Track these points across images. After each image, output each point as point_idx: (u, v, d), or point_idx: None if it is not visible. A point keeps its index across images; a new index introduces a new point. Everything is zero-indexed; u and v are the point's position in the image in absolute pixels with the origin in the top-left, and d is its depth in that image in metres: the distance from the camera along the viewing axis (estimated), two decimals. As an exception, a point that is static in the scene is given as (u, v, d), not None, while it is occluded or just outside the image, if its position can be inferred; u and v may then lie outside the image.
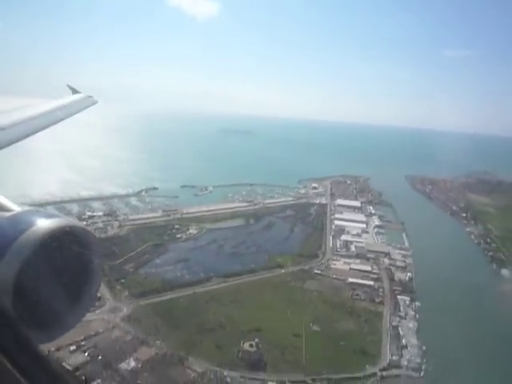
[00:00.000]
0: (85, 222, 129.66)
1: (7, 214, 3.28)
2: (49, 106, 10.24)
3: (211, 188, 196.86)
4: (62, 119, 10.07)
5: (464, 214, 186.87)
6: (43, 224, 3.02)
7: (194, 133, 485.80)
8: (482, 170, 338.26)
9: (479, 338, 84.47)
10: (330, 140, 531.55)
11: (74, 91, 13.86)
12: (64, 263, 3.23)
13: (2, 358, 2.13)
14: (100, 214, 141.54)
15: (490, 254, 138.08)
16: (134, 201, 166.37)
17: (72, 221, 3.30)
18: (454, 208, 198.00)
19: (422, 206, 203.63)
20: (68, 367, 60.35)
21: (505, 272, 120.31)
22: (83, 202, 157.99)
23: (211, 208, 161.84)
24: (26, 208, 3.46)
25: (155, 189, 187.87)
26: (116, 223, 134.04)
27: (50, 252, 3.02)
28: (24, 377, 2.19)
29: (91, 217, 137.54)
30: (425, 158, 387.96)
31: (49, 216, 3.17)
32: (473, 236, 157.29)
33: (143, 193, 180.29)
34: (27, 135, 7.69)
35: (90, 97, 13.64)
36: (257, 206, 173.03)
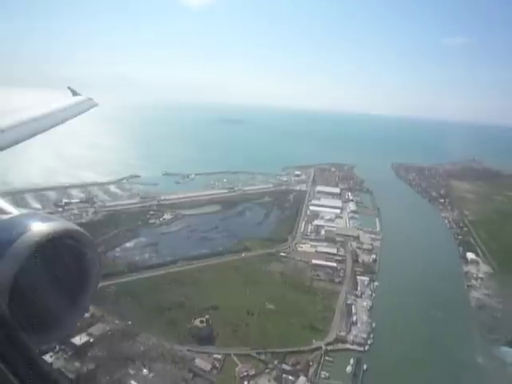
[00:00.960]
0: (60, 209, 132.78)
1: (5, 217, 3.29)
2: (49, 109, 10.23)
3: (193, 176, 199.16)
4: (62, 122, 10.05)
5: (442, 200, 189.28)
6: (41, 227, 3.03)
7: (186, 122, 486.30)
8: (470, 158, 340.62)
9: (429, 317, 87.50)
10: (324, 129, 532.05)
11: (75, 93, 13.84)
12: (61, 267, 3.23)
13: None
14: (77, 200, 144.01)
15: (460, 237, 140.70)
16: (113, 188, 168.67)
17: (70, 224, 3.31)
18: (434, 194, 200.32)
19: (401, 192, 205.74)
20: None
21: (469, 255, 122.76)
22: (63, 189, 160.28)
23: (189, 195, 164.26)
24: (24, 211, 3.49)
25: (137, 176, 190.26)
26: (91, 210, 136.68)
27: (47, 255, 3.01)
28: (18, 380, 2.20)
29: (68, 203, 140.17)
30: (417, 147, 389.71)
31: (46, 219, 3.18)
32: (446, 221, 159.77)
33: (124, 180, 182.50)
34: (27, 138, 7.71)
35: (90, 99, 13.72)
36: (236, 193, 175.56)
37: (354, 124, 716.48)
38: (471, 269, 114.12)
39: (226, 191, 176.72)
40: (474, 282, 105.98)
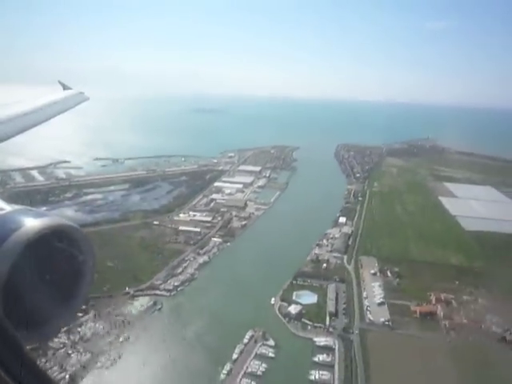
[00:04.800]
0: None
1: None
2: (39, 103, 10.03)
3: (123, 160, 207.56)
4: (53, 116, 9.86)
5: (359, 175, 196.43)
6: (34, 223, 3.01)
7: (158, 113, 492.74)
8: (424, 137, 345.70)
9: (253, 273, 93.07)
10: (297, 116, 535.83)
11: (65, 87, 13.67)
12: (54, 263, 3.20)
13: None
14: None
15: (348, 205, 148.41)
16: (35, 173, 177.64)
17: (63, 220, 3.29)
18: (355, 170, 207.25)
19: (326, 170, 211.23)
20: None
21: (341, 219, 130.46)
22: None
23: (105, 176, 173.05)
24: (17, 207, 3.46)
25: (67, 162, 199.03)
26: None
27: (40, 252, 3.00)
28: (10, 377, 2.23)
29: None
30: (379, 129, 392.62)
31: (39, 215, 3.17)
32: (347, 192, 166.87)
33: (51, 166, 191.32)
34: (16, 133, 7.52)
35: (81, 93, 13.47)
36: (155, 174, 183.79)
37: (334, 110, 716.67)
38: (333, 231, 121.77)
39: (145, 172, 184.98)
40: (325, 241, 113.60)
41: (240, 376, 61.30)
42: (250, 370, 62.52)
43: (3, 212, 3.28)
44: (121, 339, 68.43)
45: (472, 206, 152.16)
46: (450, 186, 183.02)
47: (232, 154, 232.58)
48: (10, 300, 2.72)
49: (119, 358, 64.95)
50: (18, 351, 2.36)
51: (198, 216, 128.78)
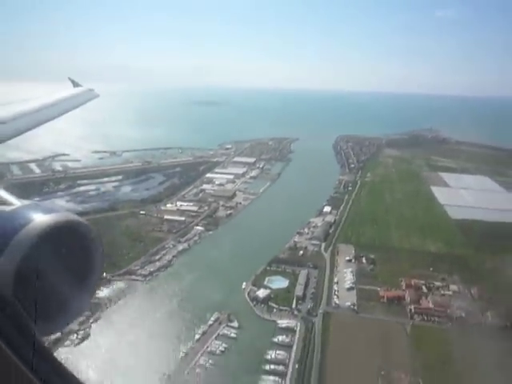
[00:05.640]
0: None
1: (7, 209, 3.32)
2: (50, 100, 10.18)
3: (120, 152, 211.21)
4: (63, 113, 9.98)
5: (353, 166, 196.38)
6: (43, 219, 3.06)
7: (159, 106, 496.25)
8: (426, 128, 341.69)
9: (228, 259, 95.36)
10: (300, 107, 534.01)
11: (76, 84, 13.81)
12: (64, 258, 3.25)
13: (5, 348, 2.25)
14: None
15: (336, 195, 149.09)
16: (33, 166, 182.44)
17: (73, 215, 3.35)
18: (350, 161, 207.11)
19: (321, 161, 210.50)
20: None
21: (326, 208, 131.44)
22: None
23: (101, 168, 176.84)
24: (27, 202, 3.50)
25: (65, 155, 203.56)
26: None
27: (49, 247, 3.05)
28: (28, 368, 2.31)
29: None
30: (381, 120, 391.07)
31: (49, 210, 3.22)
32: (338, 182, 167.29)
33: (49, 159, 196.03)
34: (28, 129, 7.77)
35: (91, 90, 13.53)
36: (149, 166, 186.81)
37: (337, 101, 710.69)
38: (317, 220, 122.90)
39: (140, 164, 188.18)
40: (306, 230, 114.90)
41: (199, 355, 63.63)
42: (209, 349, 64.85)
43: (13, 207, 3.36)
44: (91, 320, 71.34)
45: (462, 195, 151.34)
46: (444, 175, 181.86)
47: (229, 146, 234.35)
48: (21, 294, 2.73)
49: (87, 337, 67.98)
50: (32, 341, 2.45)
51: (185, 206, 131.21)
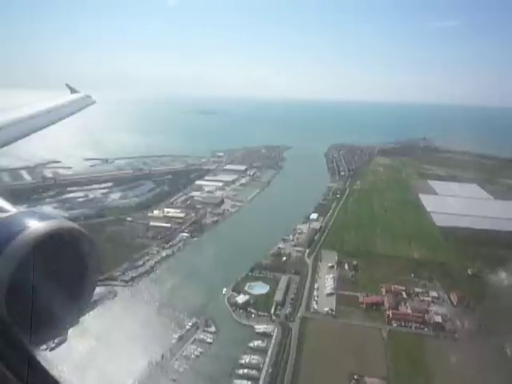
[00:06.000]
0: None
1: (2, 216, 3.28)
2: (47, 106, 10.15)
3: (112, 160, 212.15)
4: (60, 119, 9.96)
5: (343, 174, 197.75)
6: (38, 226, 3.02)
7: (162, 114, 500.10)
8: (420, 137, 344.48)
9: (208, 264, 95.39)
10: (298, 116, 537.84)
11: (73, 91, 13.91)
12: (59, 265, 3.22)
13: None
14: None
15: (324, 202, 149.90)
16: (23, 173, 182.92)
17: (68, 222, 3.30)
18: (341, 169, 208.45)
19: (312, 169, 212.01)
20: None
21: (313, 215, 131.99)
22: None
23: (91, 175, 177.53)
24: (22, 209, 3.51)
25: (57, 162, 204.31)
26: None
27: (44, 254, 3.00)
28: (17, 379, 2.28)
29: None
30: (375, 129, 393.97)
31: (44, 217, 3.17)
32: (326, 190, 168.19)
33: (41, 166, 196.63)
34: (21, 136, 7.74)
35: (88, 96, 13.61)
36: (141, 173, 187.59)
37: (333, 110, 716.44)
38: (303, 226, 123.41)
39: (131, 171, 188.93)
40: (291, 236, 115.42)
41: (174, 359, 63.68)
42: (184, 353, 64.92)
43: (8, 214, 3.33)
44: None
45: (450, 203, 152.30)
46: (433, 183, 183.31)
47: (221, 154, 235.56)
48: (15, 302, 2.70)
49: (64, 341, 67.78)
50: (24, 353, 2.44)
51: (172, 212, 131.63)
